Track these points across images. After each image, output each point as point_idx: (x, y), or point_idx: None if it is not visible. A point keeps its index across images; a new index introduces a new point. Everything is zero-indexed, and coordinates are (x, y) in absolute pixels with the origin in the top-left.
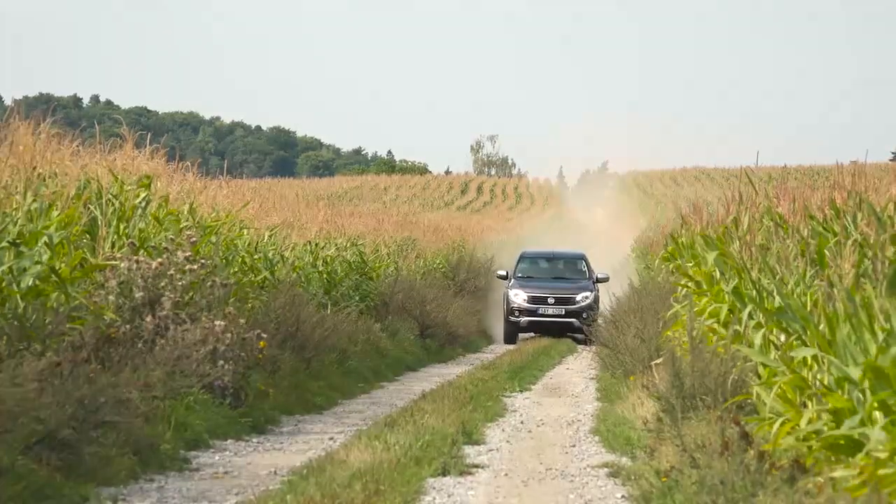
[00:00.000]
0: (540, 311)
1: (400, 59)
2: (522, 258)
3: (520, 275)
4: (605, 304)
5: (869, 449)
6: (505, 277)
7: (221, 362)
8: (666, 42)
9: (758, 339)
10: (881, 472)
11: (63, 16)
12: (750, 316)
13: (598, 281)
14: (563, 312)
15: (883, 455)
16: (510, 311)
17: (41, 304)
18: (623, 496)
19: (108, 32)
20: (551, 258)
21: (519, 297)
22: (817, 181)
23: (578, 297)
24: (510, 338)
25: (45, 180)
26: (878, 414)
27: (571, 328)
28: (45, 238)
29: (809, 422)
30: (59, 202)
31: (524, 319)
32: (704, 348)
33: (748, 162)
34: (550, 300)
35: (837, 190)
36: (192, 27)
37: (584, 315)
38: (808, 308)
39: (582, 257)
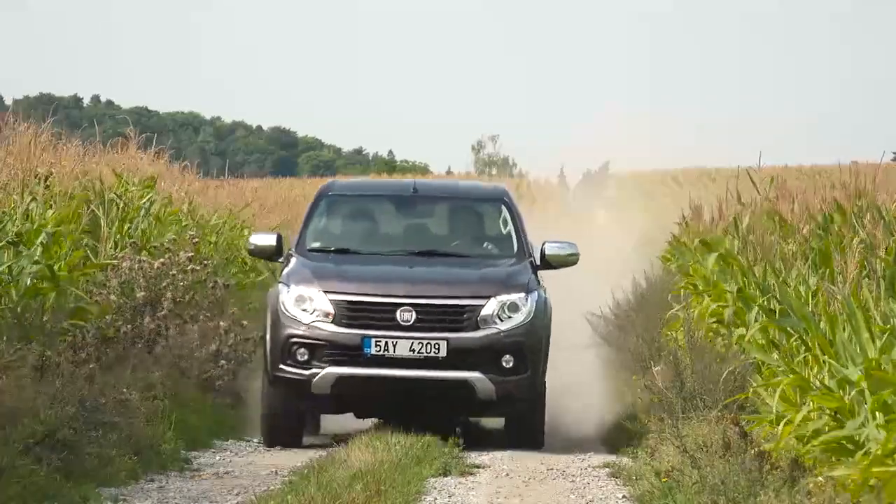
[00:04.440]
0: (372, 352)
1: (400, 59)
2: (325, 198)
3: (316, 245)
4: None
5: (869, 449)
6: (274, 254)
7: (223, 362)
8: (667, 42)
9: (760, 339)
10: (881, 471)
11: (63, 15)
12: (755, 318)
13: (549, 263)
14: (443, 354)
15: (883, 455)
16: (284, 346)
17: (40, 304)
18: (624, 496)
19: (109, 32)
20: (411, 197)
21: (308, 304)
22: (818, 181)
23: (490, 309)
24: (280, 429)
25: (44, 180)
26: (878, 414)
27: (469, 400)
28: (42, 237)
29: (810, 422)
30: (56, 201)
31: (325, 373)
32: (705, 348)
33: (749, 162)
34: (405, 316)
35: (843, 190)
36: (193, 27)
37: (507, 361)
38: (810, 308)
39: (500, 199)
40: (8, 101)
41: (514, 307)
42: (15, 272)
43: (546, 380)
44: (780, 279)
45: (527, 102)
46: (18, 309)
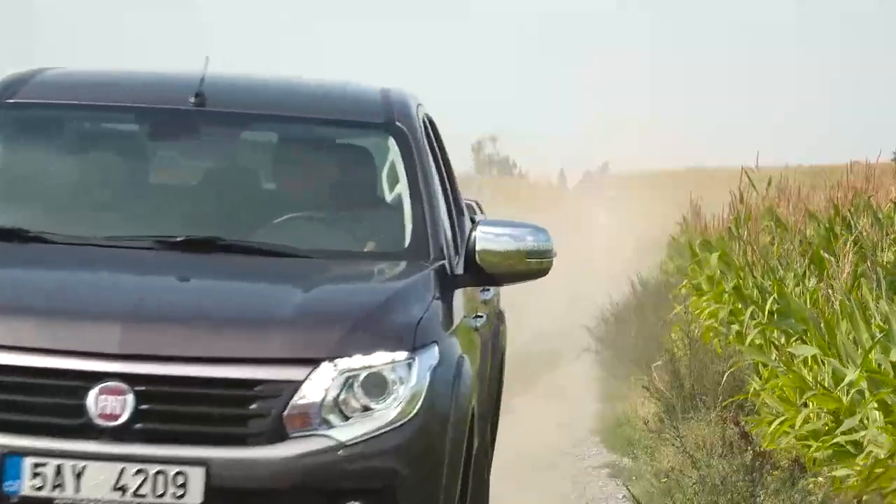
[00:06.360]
0: (25, 490)
1: (399, 59)
2: None
3: None
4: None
5: (868, 449)
6: None
7: None
8: (667, 42)
9: (758, 339)
10: (880, 471)
11: (64, 15)
12: (752, 316)
13: (483, 270)
14: (195, 500)
15: (882, 455)
16: None
17: None
18: (624, 496)
19: (108, 32)
20: (187, 115)
21: None
22: (817, 181)
23: (316, 390)
24: None
25: None
26: (877, 414)
27: None
28: None
29: (808, 422)
30: None
31: None
32: (704, 348)
33: (749, 162)
34: (108, 404)
35: (840, 190)
36: (193, 27)
37: None
38: (808, 308)
39: (387, 126)
40: None
41: (375, 385)
42: None
43: None
44: (777, 279)
45: (527, 102)
46: None
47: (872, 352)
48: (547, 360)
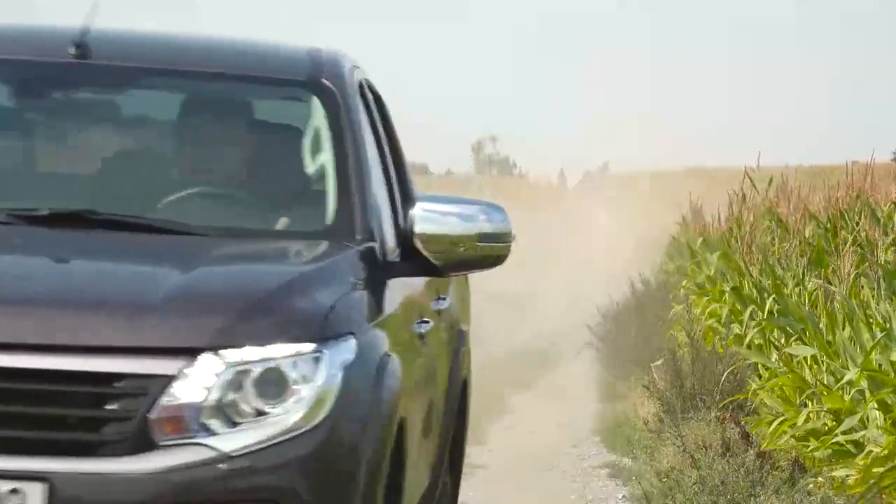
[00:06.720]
0: None
1: (399, 58)
2: None
3: None
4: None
5: (868, 449)
6: None
7: None
8: (667, 42)
9: (758, 339)
10: (880, 471)
11: (63, 15)
12: (751, 316)
13: (422, 257)
14: None
15: (882, 454)
16: None
17: None
18: (624, 496)
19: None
20: (67, 71)
21: None
22: (816, 181)
23: (193, 389)
24: None
25: None
26: (877, 413)
27: None
28: None
29: (808, 421)
30: None
31: None
32: (704, 348)
33: (749, 162)
34: None
35: (840, 190)
36: (193, 27)
37: None
38: (808, 308)
39: (311, 83)
40: None
41: (271, 383)
42: None
43: None
44: (776, 279)
45: (527, 102)
46: None
47: (873, 352)
48: (547, 359)
